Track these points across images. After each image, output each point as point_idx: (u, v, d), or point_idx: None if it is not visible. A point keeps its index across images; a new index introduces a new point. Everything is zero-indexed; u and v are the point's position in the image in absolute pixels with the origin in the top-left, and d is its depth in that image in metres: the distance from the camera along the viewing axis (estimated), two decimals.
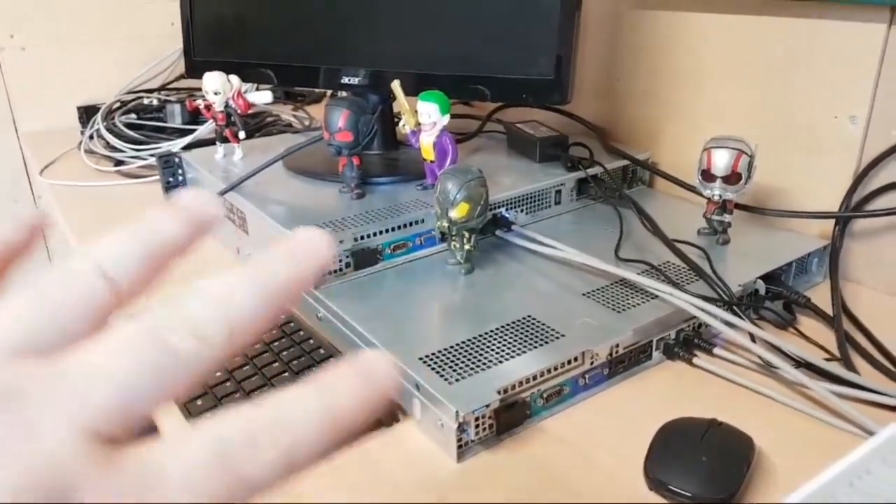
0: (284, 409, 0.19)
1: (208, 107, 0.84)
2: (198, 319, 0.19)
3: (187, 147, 1.02)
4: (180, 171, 0.87)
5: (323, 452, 0.19)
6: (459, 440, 0.47)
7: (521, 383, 0.49)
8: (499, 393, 0.48)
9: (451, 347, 0.53)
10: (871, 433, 0.48)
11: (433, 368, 0.50)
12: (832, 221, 0.70)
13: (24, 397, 0.18)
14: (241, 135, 0.86)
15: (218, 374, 0.55)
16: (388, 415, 0.51)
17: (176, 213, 0.23)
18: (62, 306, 0.20)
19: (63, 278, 0.21)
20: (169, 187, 0.87)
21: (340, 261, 0.64)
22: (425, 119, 0.69)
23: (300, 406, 0.19)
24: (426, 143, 0.70)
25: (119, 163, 1.06)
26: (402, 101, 0.71)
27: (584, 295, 0.60)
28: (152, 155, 1.03)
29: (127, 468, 0.17)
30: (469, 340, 0.54)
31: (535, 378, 0.50)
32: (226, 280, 0.20)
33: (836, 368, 0.53)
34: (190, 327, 0.19)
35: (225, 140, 0.86)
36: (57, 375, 0.18)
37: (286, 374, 0.54)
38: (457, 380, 0.49)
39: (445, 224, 0.62)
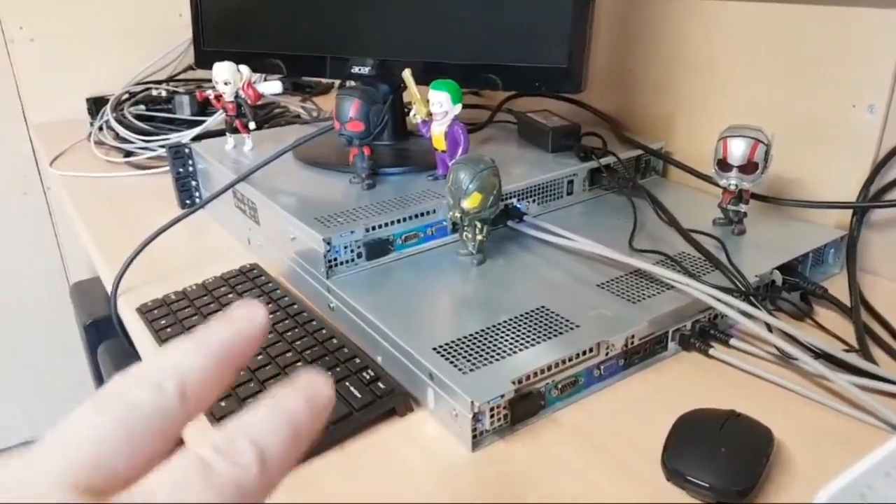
0: (247, 421, 0.21)
1: (218, 97, 0.84)
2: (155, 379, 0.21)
3: (197, 138, 1.02)
4: (190, 162, 0.87)
5: (292, 451, 0.21)
6: (474, 430, 0.47)
7: (535, 374, 0.49)
8: (513, 383, 0.47)
9: (464, 338, 0.52)
10: (892, 425, 0.47)
11: (446, 358, 0.50)
12: (849, 212, 0.69)
13: None
14: (252, 125, 0.85)
15: None
16: (403, 404, 0.51)
17: (235, 324, 0.24)
18: (139, 432, 0.20)
19: (148, 398, 0.21)
20: (179, 178, 0.87)
21: (352, 251, 0.63)
22: (437, 108, 0.68)
23: (261, 416, 0.21)
24: (437, 133, 0.70)
25: (129, 154, 1.06)
26: (413, 91, 0.71)
27: (598, 286, 0.60)
28: (162, 146, 1.03)
29: None
30: (482, 331, 0.53)
31: (549, 369, 0.50)
32: (179, 348, 0.22)
33: (855, 360, 0.52)
34: (150, 384, 0.21)
35: (235, 130, 0.86)
36: None
37: (300, 363, 0.54)
38: (471, 370, 0.49)
39: (457, 214, 0.62)
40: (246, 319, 0.24)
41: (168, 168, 0.88)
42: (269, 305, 0.63)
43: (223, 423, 0.46)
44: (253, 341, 0.24)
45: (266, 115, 1.15)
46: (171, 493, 0.19)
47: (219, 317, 0.24)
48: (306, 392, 0.22)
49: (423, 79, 0.70)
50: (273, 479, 0.20)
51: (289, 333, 0.58)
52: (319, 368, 0.23)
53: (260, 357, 0.55)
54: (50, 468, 0.19)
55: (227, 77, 0.81)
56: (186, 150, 0.87)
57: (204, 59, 0.96)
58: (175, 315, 0.63)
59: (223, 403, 0.50)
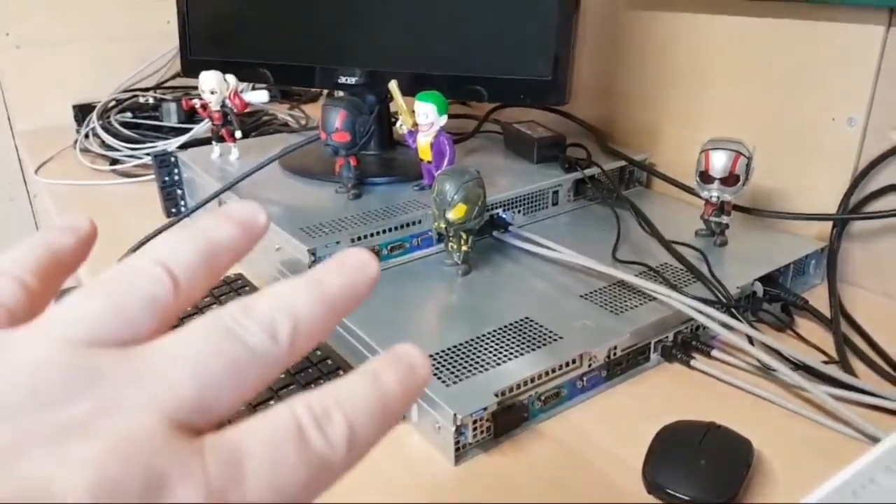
0: (344, 392, 0.20)
1: (204, 106, 0.83)
2: (268, 319, 0.20)
3: (183, 146, 1.02)
4: (176, 171, 0.87)
5: (378, 434, 0.20)
6: (457, 443, 0.47)
7: (518, 386, 0.49)
8: (496, 395, 0.48)
9: (449, 349, 0.53)
10: (869, 436, 0.48)
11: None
12: (830, 223, 0.70)
13: (106, 380, 0.18)
14: (238, 134, 0.85)
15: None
16: None
17: (230, 220, 0.23)
18: (129, 301, 0.20)
19: (127, 274, 0.21)
20: (165, 186, 0.87)
21: None
22: (423, 119, 0.68)
23: (357, 391, 0.20)
24: (423, 144, 0.70)
25: (115, 161, 1.06)
26: (399, 102, 0.71)
27: (581, 297, 0.60)
28: (148, 154, 1.02)
29: (208, 454, 0.18)
30: (466, 342, 0.54)
31: (532, 380, 0.50)
32: (290, 286, 0.21)
33: (834, 371, 0.53)
34: (262, 325, 0.20)
35: (221, 139, 0.86)
36: (137, 360, 0.18)
37: (282, 375, 0.54)
38: (454, 382, 0.49)
39: (443, 225, 0.62)
40: (247, 216, 0.24)
41: (154, 176, 0.88)
42: None
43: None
44: (252, 238, 0.24)
45: (254, 123, 1.15)
46: (264, 453, 0.18)
47: (219, 213, 0.23)
48: (404, 369, 0.21)
49: (410, 90, 0.71)
50: (354, 459, 0.20)
51: None
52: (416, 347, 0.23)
53: None
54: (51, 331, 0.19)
55: (213, 86, 0.81)
56: (172, 159, 0.87)
57: (190, 67, 0.96)
58: None
59: None
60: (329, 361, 0.55)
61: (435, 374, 0.50)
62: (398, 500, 0.45)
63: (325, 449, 0.19)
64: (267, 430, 0.19)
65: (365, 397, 0.20)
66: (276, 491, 0.18)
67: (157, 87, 1.36)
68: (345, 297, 0.22)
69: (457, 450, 0.47)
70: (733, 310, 0.58)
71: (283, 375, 0.54)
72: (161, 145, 1.04)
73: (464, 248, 0.64)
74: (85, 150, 1.11)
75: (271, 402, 0.51)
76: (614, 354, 0.54)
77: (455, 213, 0.60)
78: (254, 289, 0.68)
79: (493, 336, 0.54)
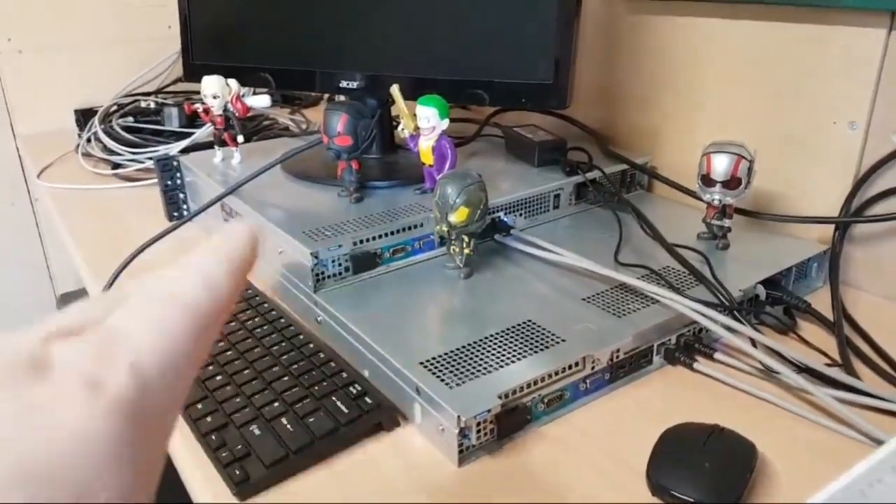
0: (193, 262, 0.23)
1: (207, 110, 0.84)
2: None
3: (185, 150, 1.02)
4: (178, 175, 0.87)
5: (235, 285, 0.23)
6: (461, 445, 0.47)
7: (522, 388, 0.49)
8: (500, 398, 0.48)
9: (451, 352, 0.53)
10: (873, 439, 0.48)
11: (433, 373, 0.50)
12: (832, 226, 0.70)
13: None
14: (240, 138, 0.85)
15: (218, 377, 0.55)
16: (389, 419, 0.51)
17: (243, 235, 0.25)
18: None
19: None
20: (167, 190, 0.87)
21: (340, 265, 0.64)
22: (424, 123, 0.69)
23: (205, 261, 0.23)
24: (425, 148, 0.70)
25: (116, 166, 1.06)
26: (400, 106, 0.71)
27: (583, 300, 0.60)
28: (150, 158, 1.03)
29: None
30: (469, 345, 0.54)
31: (535, 383, 0.50)
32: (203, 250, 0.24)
33: (837, 374, 0.53)
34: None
35: (223, 143, 0.86)
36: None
37: (286, 377, 0.54)
38: (457, 384, 0.49)
39: (445, 228, 0.62)
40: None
41: (156, 180, 0.88)
42: (256, 319, 0.63)
43: (209, 437, 0.46)
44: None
45: (255, 128, 1.15)
46: (131, 317, 0.20)
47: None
48: (232, 233, 0.25)
49: (411, 94, 0.71)
50: (224, 304, 0.22)
51: (276, 347, 0.58)
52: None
53: (247, 371, 0.55)
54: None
55: (215, 91, 0.82)
56: (175, 163, 0.87)
57: (192, 72, 0.96)
58: None
59: (209, 419, 0.50)
60: (332, 364, 0.56)
61: (438, 377, 0.50)
62: (402, 502, 0.45)
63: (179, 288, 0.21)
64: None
65: (208, 259, 0.23)
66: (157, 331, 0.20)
67: (159, 91, 1.36)
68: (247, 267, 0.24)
69: (460, 452, 0.47)
70: (736, 312, 0.58)
71: (286, 378, 0.54)
72: (163, 149, 1.04)
73: (466, 251, 0.64)
74: (87, 155, 1.11)
75: (276, 404, 0.51)
76: (617, 357, 0.54)
77: (457, 217, 0.60)
78: (256, 292, 0.68)
79: (496, 339, 0.54)
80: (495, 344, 0.54)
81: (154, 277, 0.22)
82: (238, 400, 0.52)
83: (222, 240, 0.24)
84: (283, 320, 0.62)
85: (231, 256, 0.23)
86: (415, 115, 0.69)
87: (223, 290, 0.22)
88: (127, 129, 1.12)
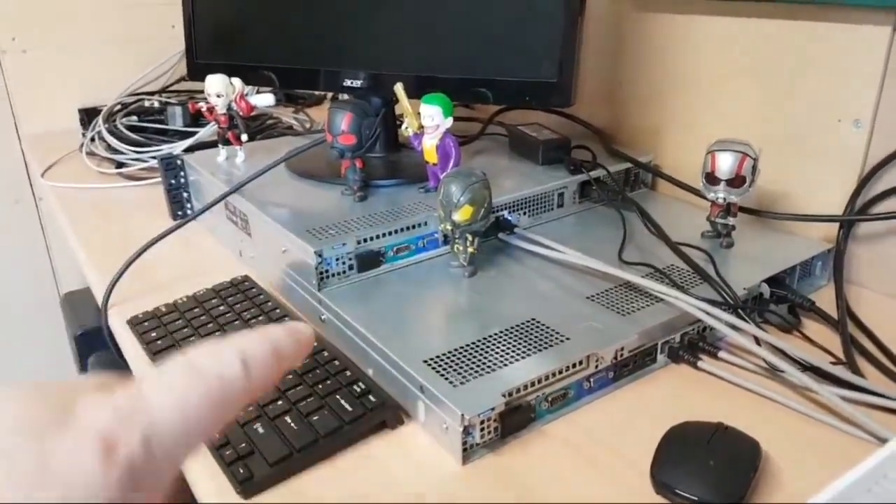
0: (234, 339, 0.24)
1: (210, 109, 0.84)
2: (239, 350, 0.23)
3: (189, 149, 1.02)
4: (182, 174, 0.87)
5: (272, 370, 0.24)
6: (464, 443, 0.47)
7: (525, 387, 0.49)
8: (504, 396, 0.48)
9: (455, 350, 0.53)
10: (878, 437, 0.48)
11: (437, 371, 0.50)
12: (836, 225, 0.70)
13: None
14: (244, 137, 0.85)
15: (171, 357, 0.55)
16: (393, 417, 0.51)
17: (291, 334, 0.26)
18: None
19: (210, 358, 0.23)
20: (171, 189, 0.87)
21: (344, 263, 0.64)
22: (428, 122, 0.69)
23: (247, 336, 0.24)
24: (429, 146, 0.70)
25: (120, 165, 1.06)
26: (404, 104, 0.71)
27: (587, 298, 0.60)
28: (154, 157, 1.03)
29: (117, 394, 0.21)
30: (473, 343, 0.54)
31: (539, 381, 0.50)
32: (240, 335, 0.24)
33: (841, 372, 0.53)
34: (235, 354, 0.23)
35: (227, 142, 0.86)
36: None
37: (290, 376, 0.54)
38: (461, 383, 0.49)
39: (449, 227, 0.62)
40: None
41: (160, 179, 0.88)
42: (260, 318, 0.63)
43: (222, 451, 0.46)
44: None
45: (259, 127, 1.15)
46: (159, 386, 0.21)
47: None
48: (287, 326, 0.26)
49: (415, 92, 0.71)
50: (255, 383, 0.23)
51: None
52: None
53: None
54: None
55: (219, 89, 0.82)
56: (178, 162, 0.87)
57: (196, 71, 0.96)
58: (165, 328, 0.63)
59: None
60: (336, 363, 0.56)
61: (442, 375, 0.50)
62: (406, 499, 0.45)
63: (218, 368, 0.22)
64: (162, 370, 0.22)
65: (253, 337, 0.24)
66: (179, 406, 0.21)
67: (163, 90, 1.36)
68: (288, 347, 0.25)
69: (464, 450, 0.47)
70: (740, 311, 0.58)
71: (290, 376, 0.54)
72: (167, 148, 1.04)
73: (470, 249, 0.64)
74: (91, 154, 1.12)
75: (279, 402, 0.51)
76: (621, 356, 0.54)
77: (461, 215, 0.60)
78: (260, 290, 0.68)
79: (500, 337, 0.54)
80: (499, 342, 0.54)
81: (198, 347, 0.23)
82: None
83: (275, 330, 0.25)
84: (287, 319, 0.62)
85: (277, 346, 0.24)
86: (419, 113, 0.69)
87: (258, 374, 0.23)
88: (131, 128, 1.12)
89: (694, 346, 0.58)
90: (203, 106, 0.85)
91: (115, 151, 1.07)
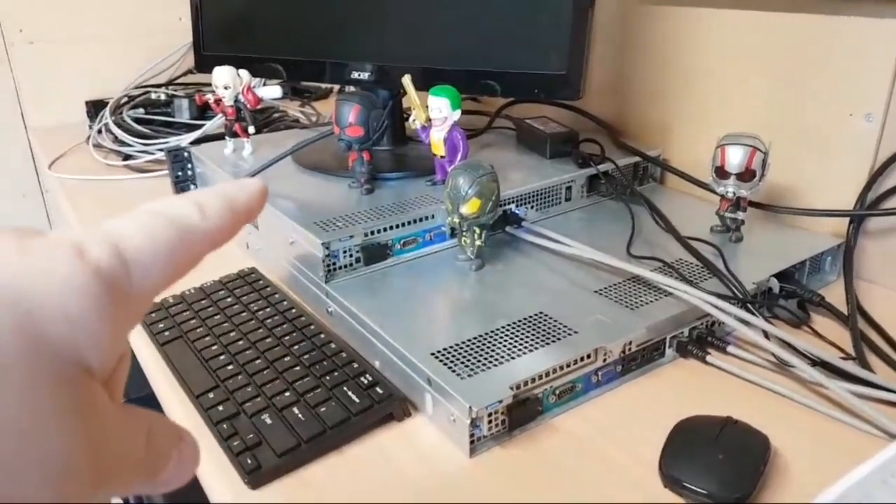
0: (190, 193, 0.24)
1: (218, 101, 0.84)
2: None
3: (196, 142, 1.02)
4: (189, 166, 0.87)
5: (227, 224, 0.24)
6: (472, 436, 0.47)
7: (533, 380, 0.49)
8: (511, 389, 0.47)
9: (462, 343, 0.53)
10: (887, 432, 0.47)
11: (444, 364, 0.50)
12: (846, 220, 0.69)
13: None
14: (251, 129, 0.85)
15: (230, 367, 0.55)
16: (400, 409, 0.51)
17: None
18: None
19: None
20: (178, 181, 0.87)
21: (351, 256, 0.63)
22: (436, 114, 0.68)
23: (201, 191, 0.25)
24: (436, 139, 0.70)
25: (127, 157, 1.06)
26: (412, 97, 0.71)
27: (595, 292, 0.60)
28: (161, 149, 1.03)
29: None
30: (480, 336, 0.53)
31: (547, 375, 0.50)
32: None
33: (851, 367, 0.52)
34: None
35: (234, 135, 0.86)
36: None
37: (297, 367, 0.54)
38: (469, 375, 0.49)
39: (456, 220, 0.62)
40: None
41: (167, 172, 0.88)
42: (268, 310, 0.63)
43: (221, 426, 0.46)
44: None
45: (265, 120, 1.15)
46: (123, 220, 0.22)
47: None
48: (238, 181, 0.26)
49: (423, 85, 0.71)
50: (211, 225, 0.23)
51: (287, 338, 0.58)
52: None
53: (258, 361, 0.55)
54: None
55: (226, 81, 0.82)
56: (185, 154, 0.87)
57: (204, 63, 0.96)
58: (173, 319, 0.63)
59: (221, 408, 0.50)
60: (343, 355, 0.55)
61: (449, 367, 0.49)
62: (413, 492, 0.45)
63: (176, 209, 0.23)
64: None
65: (204, 190, 0.25)
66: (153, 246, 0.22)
67: (169, 83, 1.36)
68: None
69: (471, 442, 0.47)
70: (749, 305, 0.57)
71: (297, 368, 0.54)
72: (174, 141, 1.04)
73: (477, 242, 0.64)
74: (98, 146, 1.12)
75: (286, 393, 0.51)
76: (629, 350, 0.54)
77: (469, 208, 0.60)
78: (267, 282, 0.68)
79: (508, 330, 0.54)
80: (507, 335, 0.54)
81: (153, 201, 0.24)
82: (249, 389, 0.52)
83: (230, 184, 0.25)
84: (294, 311, 0.62)
85: (231, 197, 0.25)
86: (426, 105, 0.69)
87: (214, 220, 0.24)
88: (138, 120, 1.12)
89: (702, 340, 0.57)
90: (210, 98, 0.85)
91: (123, 144, 1.07)
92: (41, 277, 0.19)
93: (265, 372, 0.54)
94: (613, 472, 0.46)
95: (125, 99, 1.23)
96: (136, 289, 0.21)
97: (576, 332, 0.54)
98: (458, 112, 0.68)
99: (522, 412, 0.49)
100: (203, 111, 1.12)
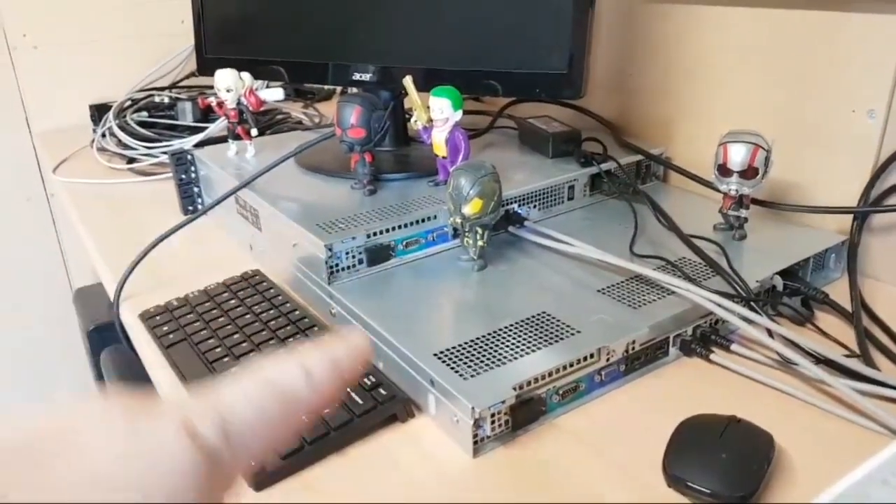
0: (299, 354, 0.25)
1: (220, 104, 0.84)
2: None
3: (199, 144, 1.02)
4: (193, 169, 0.87)
5: (333, 388, 0.25)
6: (475, 436, 0.47)
7: (536, 380, 0.49)
8: (514, 389, 0.47)
9: (465, 343, 0.53)
10: (892, 430, 0.47)
11: (448, 364, 0.50)
12: (850, 217, 0.69)
13: None
14: (254, 132, 0.86)
15: (234, 369, 0.55)
16: (404, 410, 0.51)
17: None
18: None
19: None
20: (182, 184, 0.87)
21: (354, 257, 0.64)
22: (437, 115, 0.68)
23: (309, 352, 0.26)
24: (438, 139, 0.70)
25: (131, 160, 1.06)
26: (414, 97, 0.71)
27: (598, 291, 0.60)
28: (164, 152, 1.03)
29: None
30: (483, 337, 0.53)
31: (550, 375, 0.50)
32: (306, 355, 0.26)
33: (856, 365, 0.52)
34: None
35: (237, 137, 0.86)
36: None
37: None
38: (472, 376, 0.49)
39: (458, 220, 0.62)
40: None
41: (170, 174, 0.88)
42: (271, 312, 0.63)
43: None
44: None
45: (268, 122, 1.15)
46: (230, 391, 0.23)
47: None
48: (344, 337, 0.27)
49: (424, 85, 0.71)
50: (318, 392, 0.24)
51: (290, 340, 0.58)
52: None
53: None
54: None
55: (229, 84, 0.82)
56: (189, 157, 0.87)
57: (206, 66, 0.96)
58: (177, 321, 0.63)
59: None
60: None
61: (452, 368, 0.50)
62: (417, 493, 0.45)
63: (287, 380, 0.24)
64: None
65: (313, 349, 0.26)
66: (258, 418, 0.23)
67: (172, 86, 1.37)
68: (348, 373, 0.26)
69: (475, 443, 0.47)
70: (753, 303, 0.57)
71: None
72: (177, 144, 1.04)
73: (480, 243, 0.64)
74: (102, 150, 1.12)
75: None
76: (633, 349, 0.54)
77: (471, 208, 0.60)
78: (270, 284, 0.68)
79: (511, 330, 0.54)
80: (510, 335, 0.54)
81: (261, 363, 0.25)
82: None
83: (333, 342, 0.26)
84: (297, 313, 0.62)
85: (336, 358, 0.25)
86: (428, 106, 0.69)
87: (320, 387, 0.25)
88: (141, 123, 1.13)
89: (706, 339, 0.57)
90: (213, 101, 0.85)
91: (126, 147, 1.08)
92: (150, 458, 0.20)
93: None
94: (617, 471, 0.46)
95: (128, 102, 1.24)
96: (238, 462, 0.22)
97: (579, 332, 0.54)
98: (460, 112, 0.68)
99: (526, 412, 0.49)
100: (206, 114, 1.12)
